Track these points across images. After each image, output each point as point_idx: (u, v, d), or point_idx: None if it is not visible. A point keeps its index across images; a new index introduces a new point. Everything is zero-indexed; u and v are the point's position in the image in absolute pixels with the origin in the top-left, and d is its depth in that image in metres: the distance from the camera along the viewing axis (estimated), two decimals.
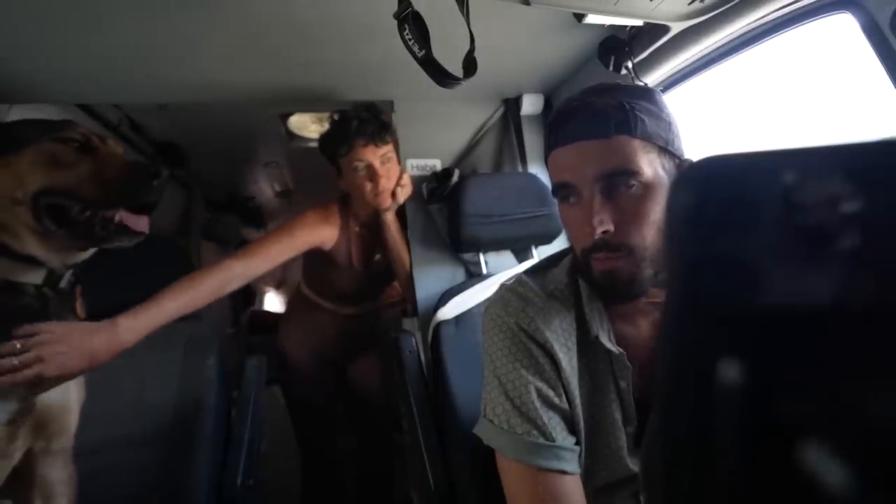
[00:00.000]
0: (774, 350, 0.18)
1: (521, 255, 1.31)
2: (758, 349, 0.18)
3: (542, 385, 0.62)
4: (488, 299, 0.75)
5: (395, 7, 0.64)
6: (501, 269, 1.21)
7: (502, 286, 0.72)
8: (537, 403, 0.61)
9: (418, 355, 1.18)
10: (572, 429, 0.63)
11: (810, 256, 0.18)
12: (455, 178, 1.23)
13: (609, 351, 0.63)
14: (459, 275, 1.29)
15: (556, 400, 0.62)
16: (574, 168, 0.59)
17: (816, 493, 0.16)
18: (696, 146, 0.64)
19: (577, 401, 0.64)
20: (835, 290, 0.17)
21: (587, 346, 0.65)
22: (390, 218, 1.24)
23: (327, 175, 1.33)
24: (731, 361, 0.18)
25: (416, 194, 1.28)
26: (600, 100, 0.59)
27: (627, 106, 0.58)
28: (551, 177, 0.64)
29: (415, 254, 1.27)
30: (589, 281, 0.64)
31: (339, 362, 1.63)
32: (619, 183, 0.57)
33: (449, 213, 1.22)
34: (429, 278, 1.26)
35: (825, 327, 0.17)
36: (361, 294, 1.51)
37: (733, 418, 0.18)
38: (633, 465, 0.63)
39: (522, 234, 1.20)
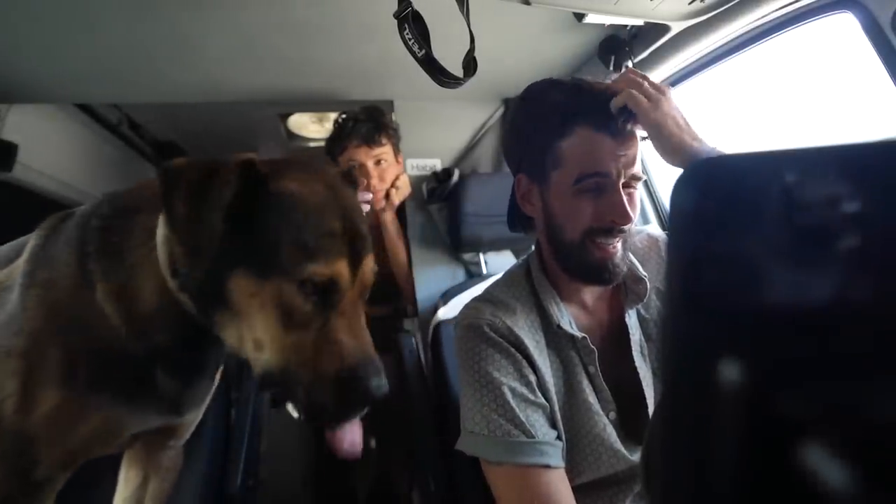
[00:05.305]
0: (774, 348, 0.18)
1: (521, 255, 1.30)
2: (758, 348, 0.18)
3: (515, 384, 0.62)
4: None
5: (394, 7, 0.64)
6: (501, 269, 1.21)
7: (466, 306, 0.74)
8: (513, 403, 0.61)
9: (418, 355, 1.18)
10: (553, 424, 0.63)
11: (810, 255, 0.18)
12: (455, 178, 1.23)
13: (573, 337, 0.65)
14: (459, 275, 1.28)
15: (531, 396, 0.62)
16: (613, 160, 0.61)
17: (816, 493, 0.16)
18: None
19: (553, 391, 0.64)
20: (835, 289, 0.17)
21: (551, 335, 0.67)
22: (388, 218, 1.24)
23: None
24: (731, 359, 0.18)
25: (415, 194, 1.28)
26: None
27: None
28: (578, 161, 0.62)
29: (415, 254, 1.27)
30: (578, 263, 0.65)
31: None
32: (632, 182, 0.63)
33: (449, 213, 1.22)
34: (429, 278, 1.25)
35: (825, 326, 0.17)
36: (373, 296, 1.49)
37: (733, 417, 0.18)
38: (627, 454, 0.63)
39: (522, 234, 1.20)
